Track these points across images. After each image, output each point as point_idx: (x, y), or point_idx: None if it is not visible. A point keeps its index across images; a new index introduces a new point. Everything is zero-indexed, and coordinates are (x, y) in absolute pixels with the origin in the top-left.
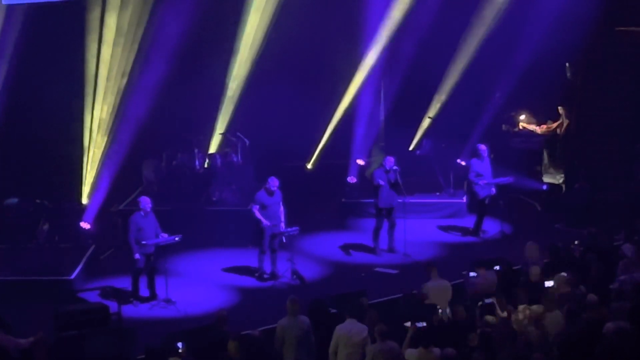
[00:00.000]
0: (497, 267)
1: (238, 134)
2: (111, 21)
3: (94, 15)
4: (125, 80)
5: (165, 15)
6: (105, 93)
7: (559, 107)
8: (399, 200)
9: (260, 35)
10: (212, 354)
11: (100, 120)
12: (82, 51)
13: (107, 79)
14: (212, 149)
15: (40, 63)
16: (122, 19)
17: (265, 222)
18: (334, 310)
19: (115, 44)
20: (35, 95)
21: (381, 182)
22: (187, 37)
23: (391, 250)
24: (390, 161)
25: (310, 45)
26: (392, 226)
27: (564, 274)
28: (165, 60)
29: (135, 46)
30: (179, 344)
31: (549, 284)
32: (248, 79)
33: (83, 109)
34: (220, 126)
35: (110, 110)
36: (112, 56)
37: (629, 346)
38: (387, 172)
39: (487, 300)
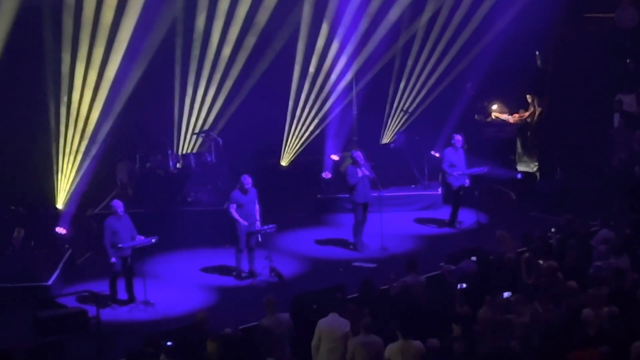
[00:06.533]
0: (474, 258)
1: (211, 133)
2: (85, 23)
3: (67, 17)
4: (97, 84)
5: (138, 16)
6: (78, 98)
7: (528, 95)
8: (374, 194)
9: (231, 34)
10: (194, 355)
11: (74, 125)
12: (56, 55)
13: (81, 83)
14: (186, 149)
15: (12, 67)
16: (96, 20)
17: (243, 222)
18: (315, 307)
19: (89, 46)
20: (6, 100)
21: (359, 175)
22: (158, 37)
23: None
24: (360, 155)
25: (281, 43)
26: (364, 221)
27: (540, 261)
28: (136, 61)
29: (108, 48)
30: (169, 343)
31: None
32: (220, 78)
33: (57, 114)
34: (193, 126)
35: (83, 114)
36: (85, 59)
37: (610, 330)
38: (359, 166)
39: (464, 285)
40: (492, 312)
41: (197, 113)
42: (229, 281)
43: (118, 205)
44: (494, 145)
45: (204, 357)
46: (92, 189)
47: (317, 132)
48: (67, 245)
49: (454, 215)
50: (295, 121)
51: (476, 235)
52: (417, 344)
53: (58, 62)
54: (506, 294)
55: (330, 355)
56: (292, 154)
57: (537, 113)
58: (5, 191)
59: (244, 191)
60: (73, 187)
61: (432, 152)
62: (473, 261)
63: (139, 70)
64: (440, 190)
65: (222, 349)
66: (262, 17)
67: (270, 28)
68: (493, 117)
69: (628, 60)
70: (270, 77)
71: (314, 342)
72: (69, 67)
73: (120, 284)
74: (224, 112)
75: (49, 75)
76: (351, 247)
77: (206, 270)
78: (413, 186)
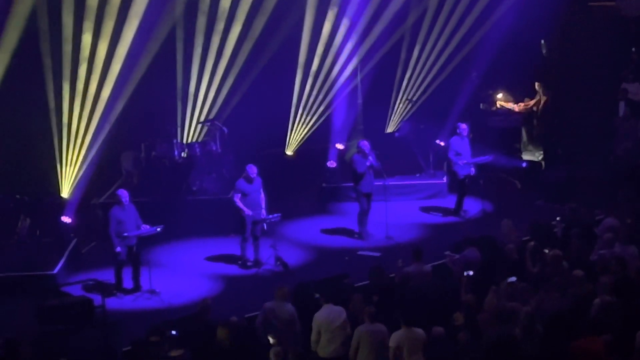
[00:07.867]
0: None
1: (216, 122)
2: (89, 12)
3: (69, 3)
4: (102, 72)
5: (143, 5)
6: (82, 85)
7: (536, 83)
8: (379, 183)
9: (237, 21)
10: (197, 343)
11: (79, 113)
12: (58, 44)
13: (85, 71)
14: (191, 138)
15: (15, 55)
16: (100, 8)
17: (247, 211)
18: (318, 296)
19: (92, 34)
20: (10, 89)
21: (367, 164)
22: (163, 27)
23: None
24: (367, 145)
25: (285, 31)
26: (368, 210)
27: (545, 250)
28: (141, 50)
29: (112, 37)
30: (174, 332)
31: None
32: (225, 67)
33: (60, 103)
34: (198, 115)
35: (88, 102)
36: (89, 48)
37: (614, 319)
38: (366, 155)
39: (470, 272)
40: (497, 300)
41: (203, 102)
42: (234, 270)
43: (123, 194)
44: (499, 134)
45: (213, 344)
46: (97, 178)
47: (322, 121)
48: (72, 234)
49: (459, 204)
50: (300, 110)
51: (481, 224)
52: (420, 332)
53: (59, 50)
54: (510, 279)
55: (331, 346)
56: (297, 142)
57: (542, 102)
58: (11, 180)
59: (249, 180)
60: (78, 175)
61: (437, 141)
62: (477, 250)
63: (146, 59)
64: (445, 179)
65: (232, 335)
66: (268, 5)
67: (276, 16)
68: (498, 105)
69: (633, 49)
70: (276, 66)
71: (313, 337)
72: (71, 58)
73: (126, 273)
74: (230, 100)
75: (49, 62)
76: (356, 235)
77: (211, 259)
78: (418, 175)
